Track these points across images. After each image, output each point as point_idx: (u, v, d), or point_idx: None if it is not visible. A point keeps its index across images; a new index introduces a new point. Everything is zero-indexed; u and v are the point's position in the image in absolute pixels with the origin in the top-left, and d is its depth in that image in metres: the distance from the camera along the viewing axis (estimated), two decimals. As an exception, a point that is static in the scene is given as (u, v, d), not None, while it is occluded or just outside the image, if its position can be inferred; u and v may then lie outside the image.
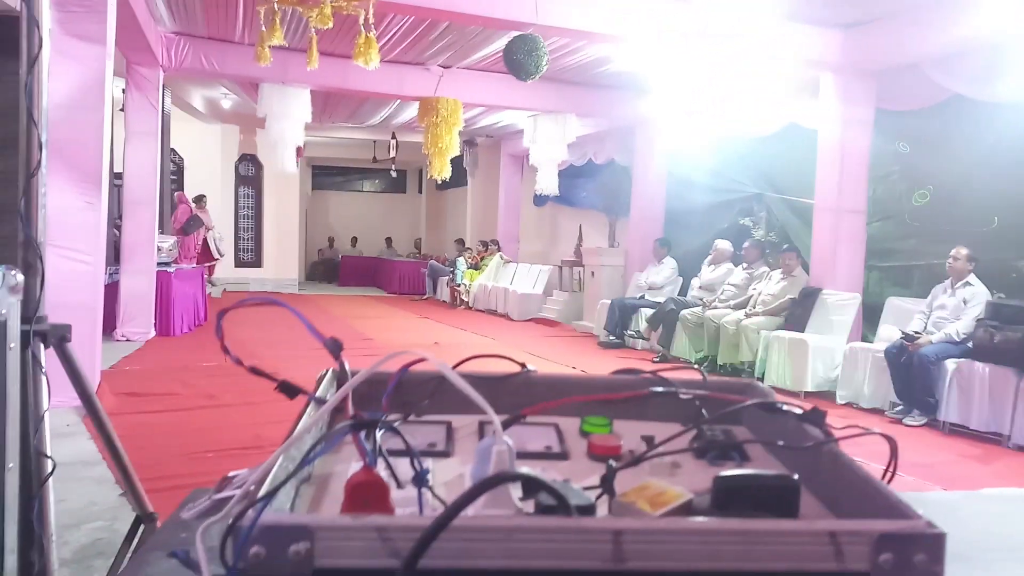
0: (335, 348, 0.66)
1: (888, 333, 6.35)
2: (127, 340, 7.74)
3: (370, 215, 21.23)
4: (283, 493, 0.57)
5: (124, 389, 5.63)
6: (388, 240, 20.26)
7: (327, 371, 0.84)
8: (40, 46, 1.65)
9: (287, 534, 0.50)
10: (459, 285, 14.08)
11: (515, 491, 0.60)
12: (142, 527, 2.11)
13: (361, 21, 5.82)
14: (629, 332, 9.16)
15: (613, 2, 6.37)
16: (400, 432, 0.63)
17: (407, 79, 9.28)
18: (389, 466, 0.64)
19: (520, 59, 6.46)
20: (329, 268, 19.69)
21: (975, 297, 5.65)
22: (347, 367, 0.68)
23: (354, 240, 20.60)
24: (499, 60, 7.15)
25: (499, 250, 14.13)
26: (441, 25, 7.61)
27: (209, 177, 14.52)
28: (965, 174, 6.45)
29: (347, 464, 0.70)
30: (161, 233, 8.89)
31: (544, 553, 0.52)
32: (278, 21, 5.70)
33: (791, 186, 8.34)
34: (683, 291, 9.20)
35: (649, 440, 0.76)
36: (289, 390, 0.72)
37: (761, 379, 6.94)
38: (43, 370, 1.61)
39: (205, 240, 12.06)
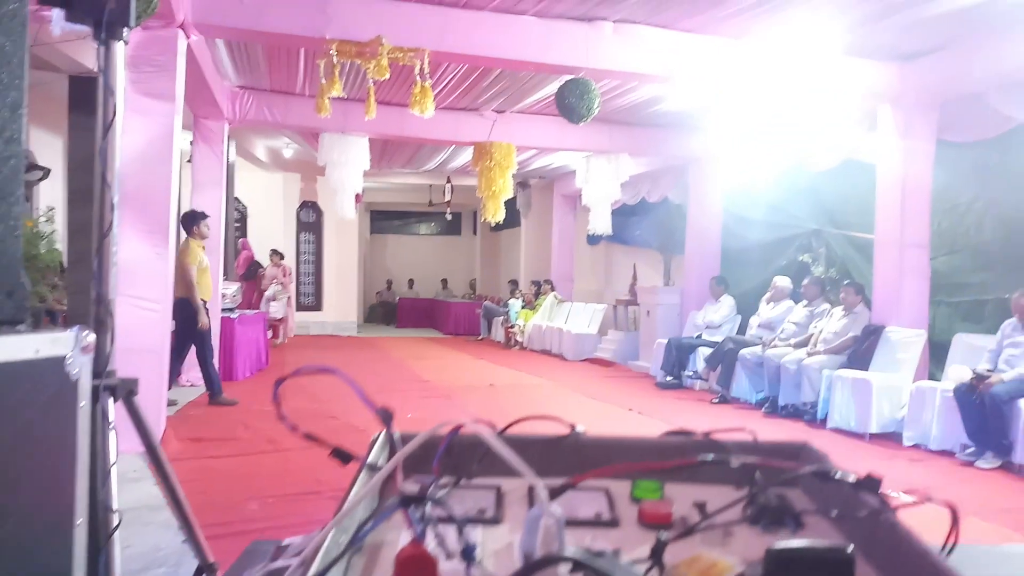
0: (386, 417, 0.68)
1: (957, 371, 6.12)
2: (192, 385, 7.93)
3: (426, 257, 21.55)
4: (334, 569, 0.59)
5: (189, 434, 5.76)
6: (444, 282, 20.49)
7: (379, 434, 0.86)
8: (115, 113, 1.74)
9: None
10: (513, 326, 14.11)
11: (564, 568, 0.60)
12: (204, 576, 2.15)
13: (417, 71, 5.97)
14: (687, 372, 9.03)
15: (664, 43, 6.41)
16: (446, 508, 0.64)
17: (462, 125, 9.45)
18: (438, 537, 0.65)
19: (572, 102, 6.53)
20: (387, 310, 19.97)
21: (1049, 335, 5.43)
22: (396, 437, 0.69)
23: (411, 282, 20.89)
24: (552, 103, 7.24)
25: (552, 289, 14.14)
26: (494, 72, 7.76)
27: (271, 224, 14.96)
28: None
29: (398, 532, 0.71)
30: (225, 280, 9.15)
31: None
32: (337, 74, 5.89)
33: (851, 221, 8.18)
34: (742, 330, 9.05)
35: (701, 507, 0.75)
36: (342, 456, 0.73)
37: (824, 420, 6.76)
38: (111, 425, 1.67)
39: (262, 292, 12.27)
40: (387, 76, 5.87)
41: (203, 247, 7.20)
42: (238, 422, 6.21)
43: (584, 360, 11.87)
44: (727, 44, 6.51)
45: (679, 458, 0.85)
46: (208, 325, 6.97)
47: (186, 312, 6.93)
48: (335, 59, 5.84)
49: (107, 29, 1.73)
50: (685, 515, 0.76)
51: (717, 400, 8.05)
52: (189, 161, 8.98)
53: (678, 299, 10.59)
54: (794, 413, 7.16)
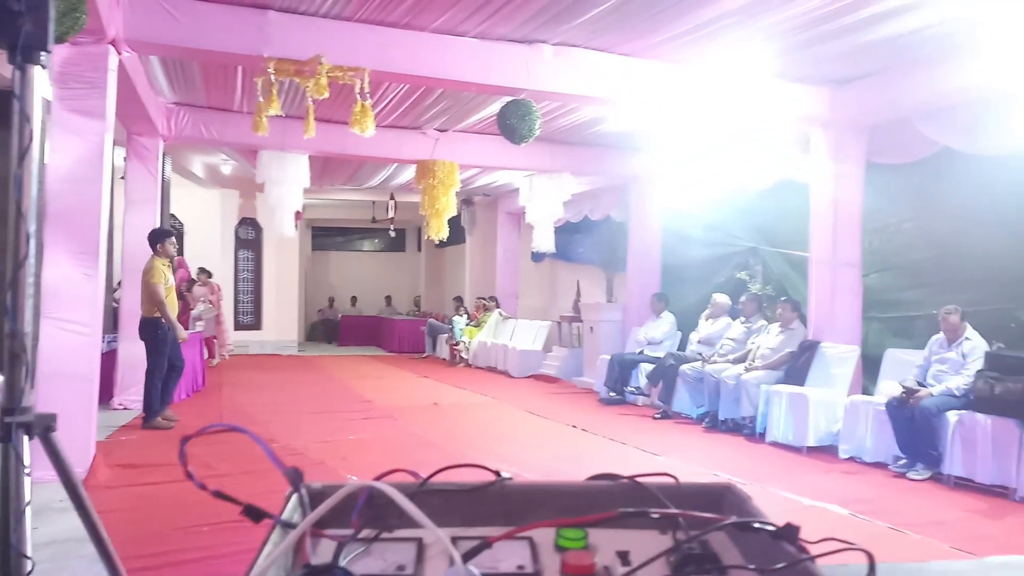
0: (295, 478, 0.65)
1: (888, 386, 6.31)
2: (125, 408, 7.70)
3: (370, 274, 21.33)
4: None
5: (121, 460, 5.58)
6: (388, 299, 20.30)
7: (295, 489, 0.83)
8: (31, 140, 1.67)
9: None
10: (458, 343, 14.06)
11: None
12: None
13: (357, 90, 5.93)
14: (629, 388, 9.11)
15: (603, 66, 6.49)
16: (358, 572, 0.62)
17: (404, 143, 9.41)
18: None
19: (513, 123, 6.57)
20: (329, 328, 19.67)
21: (974, 352, 5.63)
22: (306, 499, 0.67)
23: (354, 299, 20.63)
24: (494, 123, 7.27)
25: (497, 306, 14.14)
26: (436, 91, 7.75)
27: (209, 241, 14.63)
28: (960, 225, 6.50)
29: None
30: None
31: None
32: (275, 92, 5.81)
33: (787, 239, 8.39)
34: (682, 346, 9.18)
35: (624, 556, 0.74)
36: (254, 514, 0.71)
37: (763, 434, 6.89)
38: (27, 468, 1.59)
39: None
40: (326, 95, 5.82)
41: (169, 265, 7.12)
42: (173, 447, 6.00)
43: (529, 377, 11.88)
44: (665, 68, 6.63)
45: (605, 503, 0.85)
46: (186, 339, 7.00)
47: (150, 331, 6.89)
48: (273, 77, 5.76)
49: (23, 53, 1.66)
50: (608, 565, 0.76)
51: (659, 415, 8.14)
52: (123, 178, 8.75)
53: (620, 315, 10.69)
54: (734, 428, 7.28)
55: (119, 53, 5.52)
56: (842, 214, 7.23)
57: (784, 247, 8.46)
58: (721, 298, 8.68)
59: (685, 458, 6.11)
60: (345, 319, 19.48)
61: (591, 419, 7.90)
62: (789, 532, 0.69)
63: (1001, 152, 5.95)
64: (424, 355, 15.69)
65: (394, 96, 7.96)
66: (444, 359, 14.65)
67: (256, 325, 15.52)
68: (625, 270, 10.90)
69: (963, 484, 5.31)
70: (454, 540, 0.84)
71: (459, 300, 15.59)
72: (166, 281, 6.95)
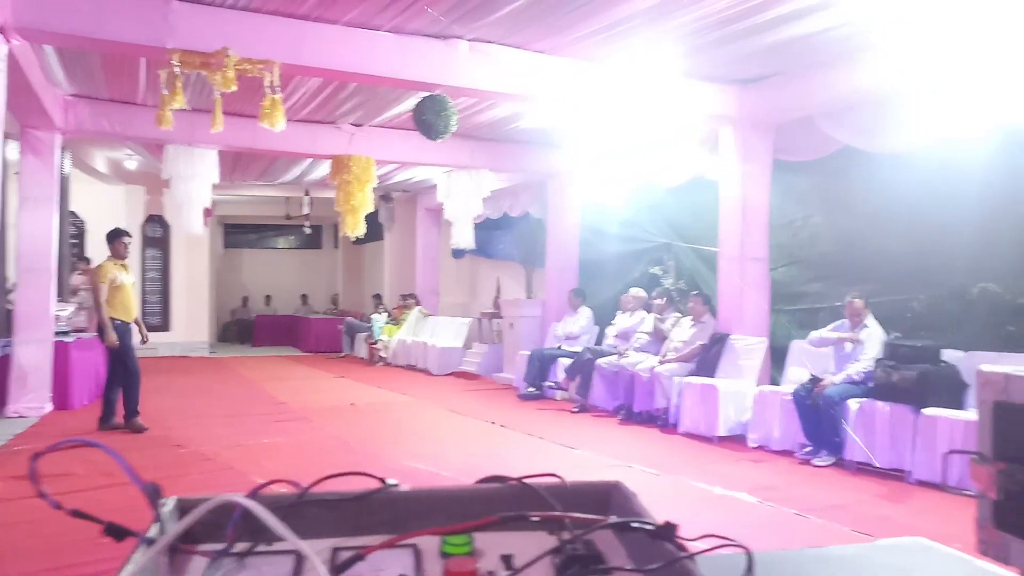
0: (153, 494, 0.62)
1: (795, 376, 6.55)
2: (20, 416, 7.31)
3: (285, 272, 20.85)
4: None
5: (16, 472, 5.29)
6: (304, 297, 19.89)
7: (166, 503, 0.79)
8: None
9: None
10: (377, 341, 13.89)
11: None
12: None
13: (267, 84, 5.77)
14: (548, 383, 9.19)
15: (519, 63, 6.50)
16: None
17: (319, 137, 9.22)
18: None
19: (429, 119, 6.51)
20: (243, 328, 19.15)
21: (870, 339, 5.89)
22: (164, 516, 0.64)
23: (268, 298, 20.12)
24: (411, 118, 7.20)
25: (417, 303, 14.04)
26: (351, 86, 7.62)
27: (113, 239, 14.02)
28: (862, 220, 6.79)
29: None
30: (60, 301, 8.50)
31: None
32: (179, 85, 5.59)
33: (698, 235, 8.60)
34: (599, 340, 9.30)
35: (507, 559, 0.74)
36: (116, 533, 0.67)
37: (676, 425, 7.05)
38: None
39: None
40: (234, 88, 5.64)
41: (122, 265, 6.96)
42: (75, 456, 5.74)
43: (450, 374, 11.84)
44: (579, 66, 6.69)
45: (492, 506, 0.84)
46: (116, 343, 6.73)
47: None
48: (178, 70, 5.54)
49: None
50: (492, 569, 0.75)
51: (577, 409, 8.23)
52: (17, 174, 8.30)
53: (540, 311, 10.77)
54: (648, 419, 7.43)
55: (8, 41, 5.22)
56: (750, 210, 7.44)
57: (695, 242, 8.67)
58: (637, 292, 8.84)
59: (600, 451, 6.19)
60: (259, 319, 19.01)
61: (510, 415, 7.93)
62: (667, 531, 0.70)
63: (898, 150, 6.24)
64: (342, 355, 15.45)
65: (307, 90, 7.79)
66: (363, 358, 14.46)
67: (165, 326, 14.96)
68: (544, 266, 10.97)
69: (864, 469, 5.55)
70: (336, 551, 0.82)
71: (378, 298, 15.40)
72: (112, 280, 6.80)
